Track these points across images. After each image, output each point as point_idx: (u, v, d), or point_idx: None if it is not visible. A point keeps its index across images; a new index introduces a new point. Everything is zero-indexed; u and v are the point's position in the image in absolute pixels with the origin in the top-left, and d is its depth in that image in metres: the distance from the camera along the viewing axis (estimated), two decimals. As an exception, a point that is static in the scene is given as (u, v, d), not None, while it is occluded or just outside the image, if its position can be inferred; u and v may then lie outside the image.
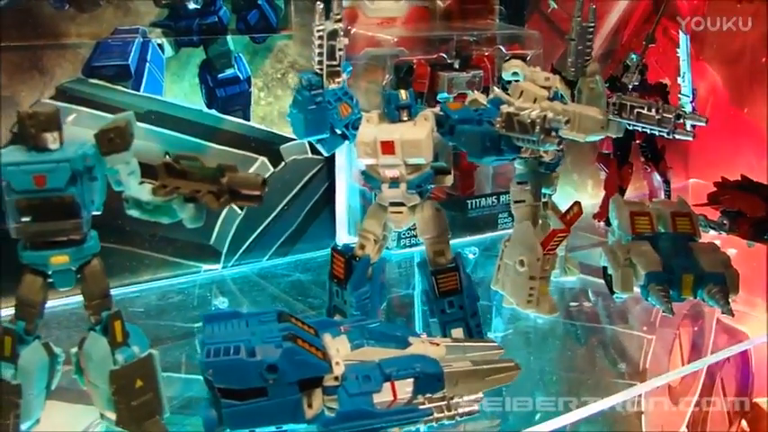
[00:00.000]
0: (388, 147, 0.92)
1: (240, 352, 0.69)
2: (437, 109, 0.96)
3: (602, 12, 1.75)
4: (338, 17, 0.95)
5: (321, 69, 0.96)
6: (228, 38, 1.31)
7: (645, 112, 0.98)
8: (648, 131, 0.99)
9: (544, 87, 1.09)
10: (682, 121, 0.98)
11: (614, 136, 1.09)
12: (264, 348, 0.69)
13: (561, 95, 1.13)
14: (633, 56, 1.44)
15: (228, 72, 1.32)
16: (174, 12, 1.25)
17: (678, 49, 1.44)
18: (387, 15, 1.41)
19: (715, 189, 1.45)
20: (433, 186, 0.98)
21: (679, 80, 1.45)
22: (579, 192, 1.77)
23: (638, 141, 1.55)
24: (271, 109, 1.37)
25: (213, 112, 1.33)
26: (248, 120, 1.36)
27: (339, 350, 0.75)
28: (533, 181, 1.11)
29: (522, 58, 1.47)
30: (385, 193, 0.96)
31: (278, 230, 1.40)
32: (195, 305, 1.27)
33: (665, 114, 0.97)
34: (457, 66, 1.40)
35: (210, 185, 0.77)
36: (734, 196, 1.42)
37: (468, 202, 1.47)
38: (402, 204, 0.96)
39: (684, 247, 1.13)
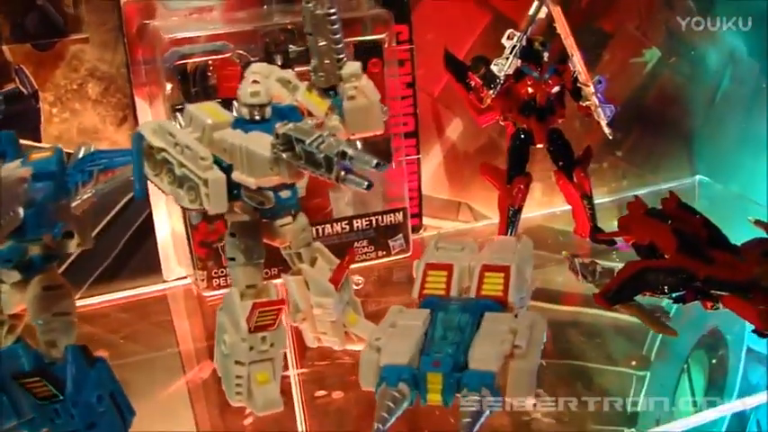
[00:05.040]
0: None
1: None
2: None
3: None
4: None
5: None
6: (4, 48, 1.13)
7: (308, 147, 0.64)
8: (319, 176, 0.66)
9: (249, 106, 0.80)
10: (351, 162, 0.63)
11: (289, 182, 0.76)
12: None
13: (296, 111, 0.82)
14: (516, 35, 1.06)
15: (8, 88, 1.14)
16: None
17: (556, 25, 1.04)
18: (197, 4, 1.15)
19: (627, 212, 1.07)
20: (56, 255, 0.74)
21: (570, 65, 1.05)
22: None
23: (539, 145, 1.17)
24: (68, 126, 1.18)
25: (-9, 136, 1.15)
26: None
27: None
28: (246, 233, 0.82)
29: (377, 45, 1.17)
30: None
31: (90, 264, 1.21)
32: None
33: (328, 153, 0.63)
34: (279, 63, 1.11)
35: None
36: (643, 225, 1.02)
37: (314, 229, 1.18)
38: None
39: (468, 325, 0.79)
